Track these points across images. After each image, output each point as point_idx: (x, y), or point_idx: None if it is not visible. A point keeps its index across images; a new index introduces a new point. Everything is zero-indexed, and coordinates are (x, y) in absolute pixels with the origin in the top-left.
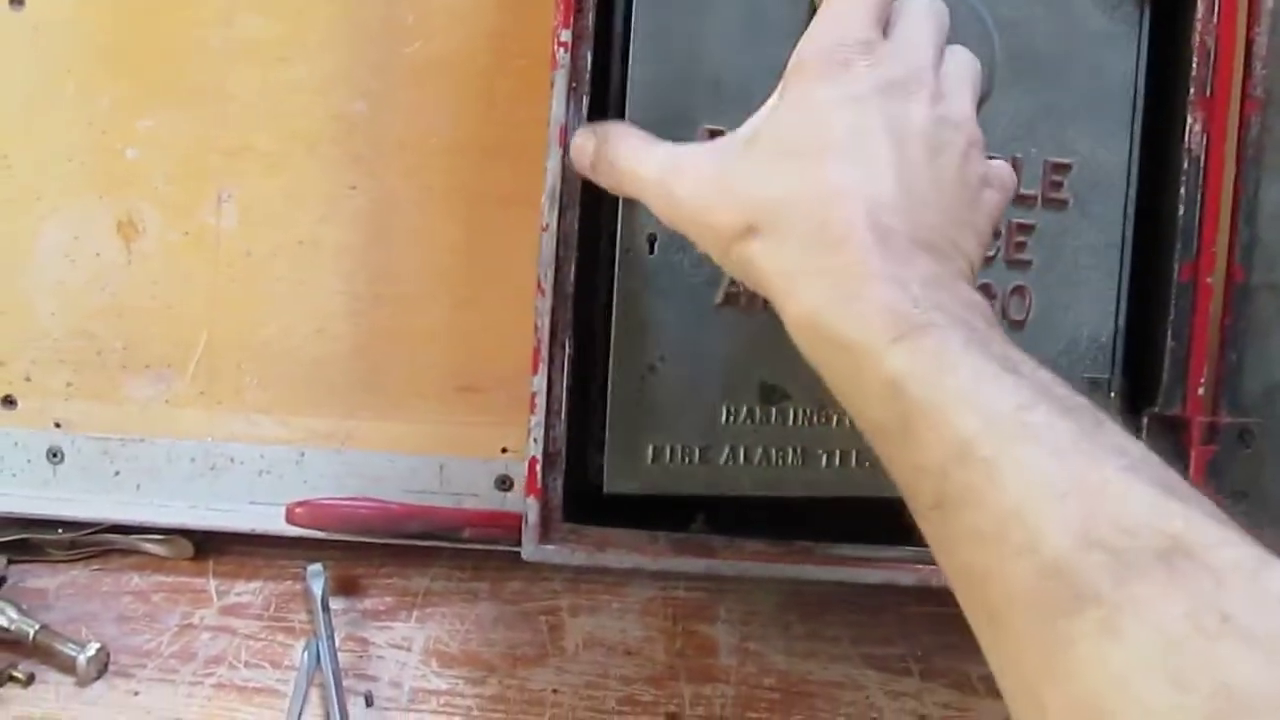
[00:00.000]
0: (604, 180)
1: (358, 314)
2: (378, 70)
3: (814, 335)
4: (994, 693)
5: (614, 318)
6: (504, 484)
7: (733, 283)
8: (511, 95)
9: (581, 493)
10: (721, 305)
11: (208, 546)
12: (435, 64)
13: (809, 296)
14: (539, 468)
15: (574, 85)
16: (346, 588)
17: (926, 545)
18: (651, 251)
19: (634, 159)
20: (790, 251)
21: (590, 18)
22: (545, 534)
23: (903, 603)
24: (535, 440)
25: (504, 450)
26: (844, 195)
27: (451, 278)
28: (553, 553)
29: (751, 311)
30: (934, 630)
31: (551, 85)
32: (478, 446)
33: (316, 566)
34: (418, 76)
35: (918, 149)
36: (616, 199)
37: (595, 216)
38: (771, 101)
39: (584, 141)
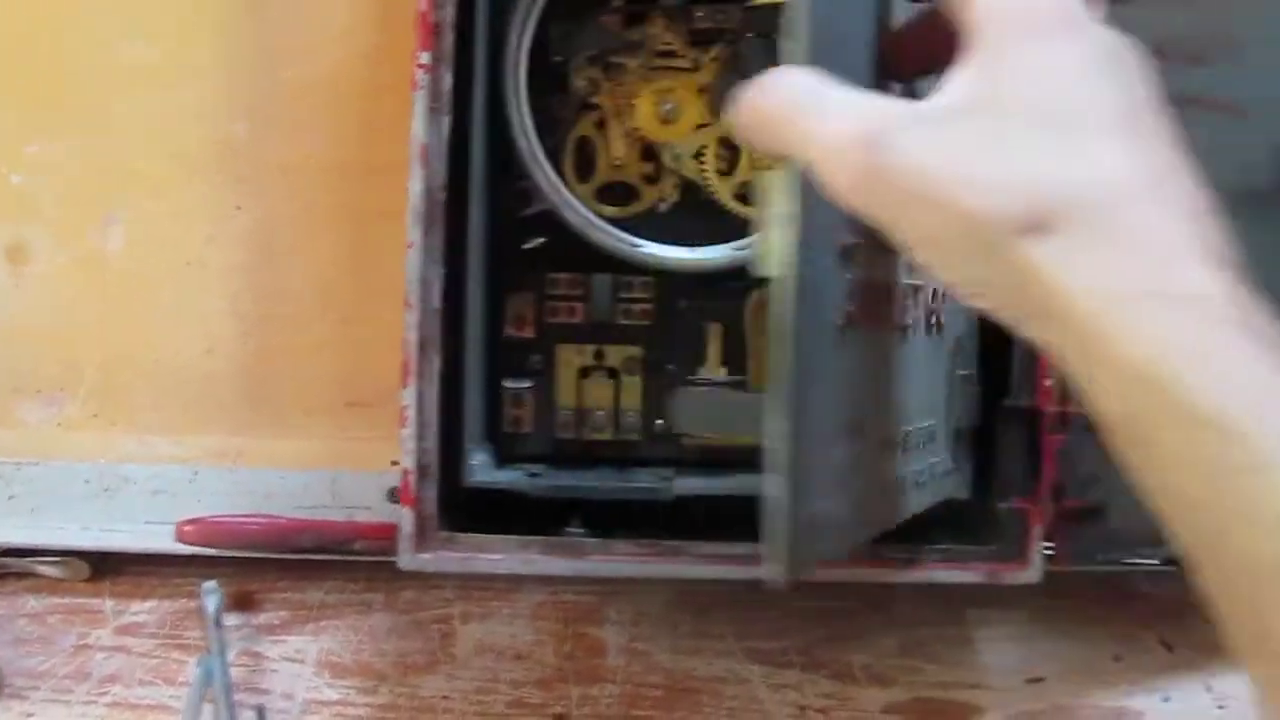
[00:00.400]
0: (764, 141)
1: (246, 333)
2: (259, 93)
3: (1152, 393)
4: (874, 681)
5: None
6: (395, 496)
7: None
8: (390, 114)
9: (477, 499)
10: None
11: (105, 567)
12: (315, 86)
13: (1149, 334)
14: (413, 479)
15: (434, 106)
16: (242, 603)
17: None
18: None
19: (814, 111)
20: (1103, 260)
21: (449, 39)
22: (421, 543)
23: (787, 598)
24: (408, 452)
25: (394, 463)
26: (1157, 186)
27: (337, 294)
28: (429, 561)
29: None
30: (816, 623)
31: (412, 106)
32: (368, 460)
33: (211, 584)
34: (298, 98)
35: (1160, 116)
36: (489, 211)
37: (462, 231)
38: (978, 61)
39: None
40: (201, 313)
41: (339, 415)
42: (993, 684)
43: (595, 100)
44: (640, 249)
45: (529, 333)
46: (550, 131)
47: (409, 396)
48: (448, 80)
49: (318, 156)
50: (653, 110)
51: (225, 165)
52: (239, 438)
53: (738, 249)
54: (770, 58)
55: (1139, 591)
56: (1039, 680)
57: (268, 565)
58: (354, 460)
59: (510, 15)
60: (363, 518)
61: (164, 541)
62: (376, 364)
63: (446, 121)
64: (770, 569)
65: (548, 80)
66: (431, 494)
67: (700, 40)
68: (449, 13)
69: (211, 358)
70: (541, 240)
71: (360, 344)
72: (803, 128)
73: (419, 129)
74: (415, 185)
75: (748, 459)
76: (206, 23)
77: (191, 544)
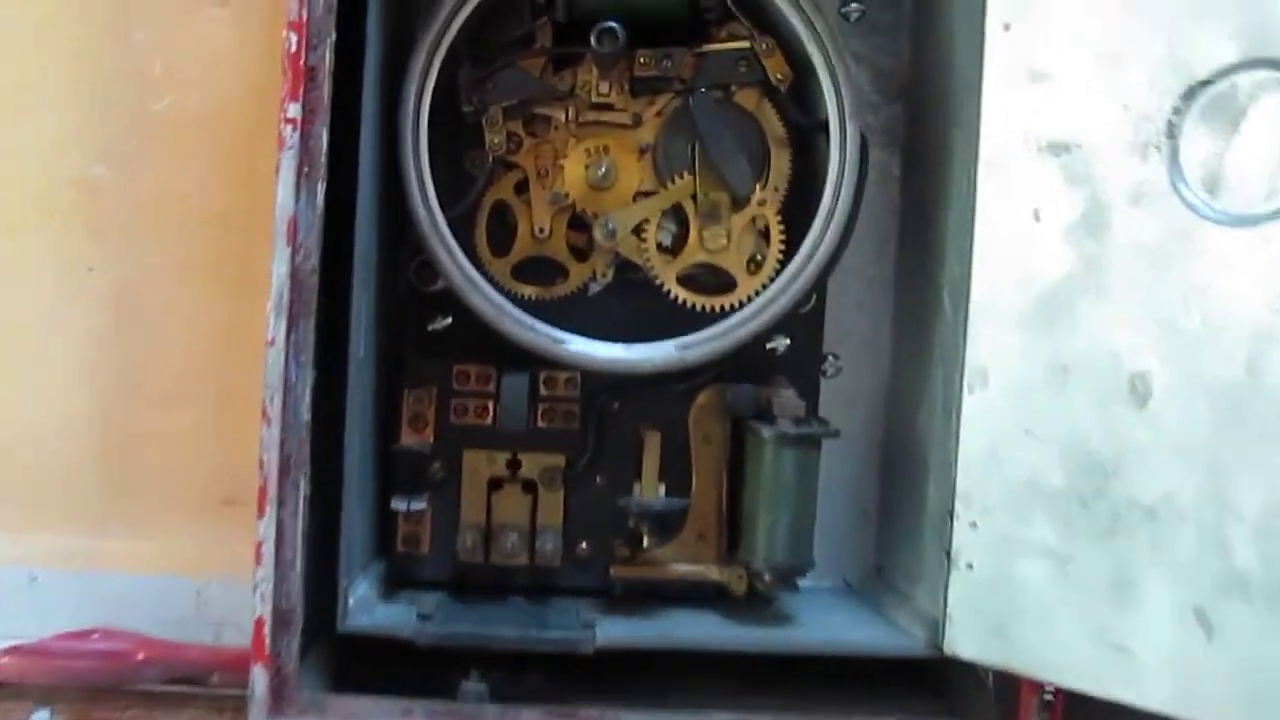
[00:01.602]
0: None
1: (102, 411)
2: (121, 129)
3: None
4: None
5: None
6: None
7: None
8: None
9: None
10: None
11: None
12: (188, 122)
13: None
14: (268, 630)
15: (305, 169)
16: None
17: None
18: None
19: None
20: None
21: (326, 88)
22: (277, 705)
23: None
24: (262, 597)
25: None
26: None
27: (213, 370)
28: None
29: None
30: None
31: (277, 170)
32: (242, 567)
33: (42, 714)
34: (168, 136)
35: None
36: (382, 290)
37: (342, 319)
38: None
39: None
40: (50, 384)
41: (209, 513)
42: None
43: (514, 159)
44: (563, 345)
45: (428, 436)
46: (458, 195)
47: (265, 529)
48: (323, 138)
49: (192, 204)
50: (583, 173)
51: (82, 212)
52: (90, 537)
53: (683, 346)
54: (726, 114)
55: None
56: None
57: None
58: (225, 565)
59: (409, 57)
60: (230, 635)
61: None
62: (256, 454)
63: (322, 188)
64: None
65: (457, 134)
66: (292, 646)
67: (642, 90)
68: (326, 55)
69: (62, 440)
70: (448, 321)
71: (238, 430)
72: None
73: (285, 198)
74: (279, 267)
75: (688, 592)
76: (61, 44)
77: (9, 679)
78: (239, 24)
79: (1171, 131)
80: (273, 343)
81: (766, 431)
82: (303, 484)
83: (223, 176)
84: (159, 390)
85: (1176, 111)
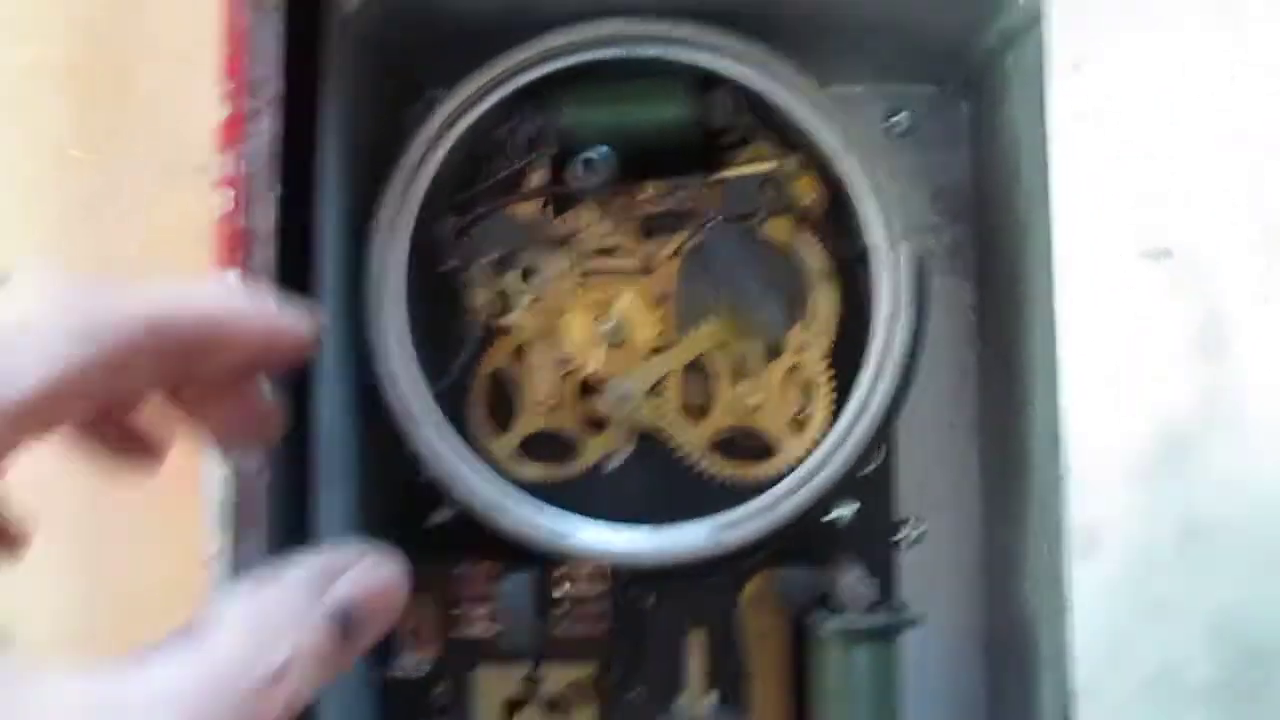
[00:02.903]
0: None
1: None
2: None
3: None
4: None
5: None
6: None
7: None
8: None
9: None
10: None
11: None
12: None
13: None
14: None
15: None
16: None
17: None
18: None
19: None
20: None
21: (268, 252)
22: None
23: None
24: None
25: None
26: None
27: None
28: None
29: None
30: None
31: None
32: None
33: None
34: None
35: None
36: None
37: (298, 533)
38: None
39: None
40: None
41: None
42: None
43: (508, 320)
44: (568, 541)
45: (429, 654)
46: (445, 364)
47: None
48: None
49: None
50: (589, 331)
51: None
52: None
53: (721, 528)
54: (750, 248)
55: None
56: None
57: None
58: None
59: (375, 207)
60: None
61: None
62: None
63: None
64: None
65: (440, 293)
66: None
67: (653, 229)
68: (266, 215)
69: None
70: (449, 513)
71: None
72: None
73: None
74: (213, 470)
75: None
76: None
77: None
78: None
79: None
80: (214, 558)
81: (829, 626)
82: None
83: None
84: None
85: None
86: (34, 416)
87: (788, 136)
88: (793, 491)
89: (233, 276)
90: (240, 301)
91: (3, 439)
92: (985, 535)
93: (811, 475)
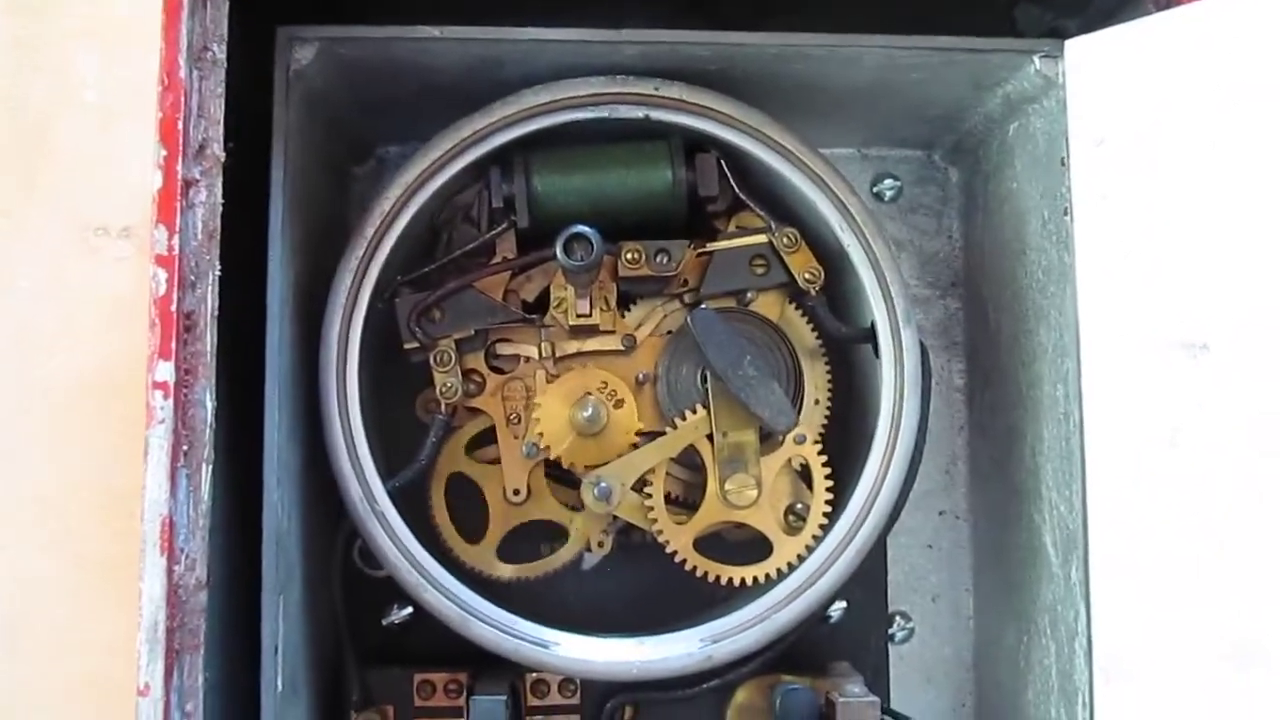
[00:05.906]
0: None
1: None
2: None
3: None
4: None
5: None
6: None
7: None
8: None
9: None
10: None
11: None
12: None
13: None
14: None
15: (185, 450)
16: None
17: None
18: None
19: None
20: None
21: (209, 340)
22: None
23: None
24: None
25: None
26: None
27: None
28: None
29: None
30: None
31: (145, 452)
32: None
33: None
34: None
35: None
36: (311, 595)
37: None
38: None
39: None
40: None
41: None
42: None
43: (475, 405)
44: (549, 650)
45: None
46: (408, 454)
47: None
48: (207, 406)
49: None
50: (566, 416)
51: None
52: None
53: (709, 640)
54: (740, 330)
55: None
56: None
57: None
58: None
59: (329, 284)
60: None
61: None
62: None
63: (208, 473)
64: None
65: (399, 377)
66: None
67: (634, 298)
68: (208, 296)
69: None
70: (407, 612)
71: None
72: None
73: (155, 490)
74: (150, 584)
75: None
76: None
77: None
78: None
79: None
80: (146, 692)
81: None
82: None
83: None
84: None
85: None
86: None
87: (778, 207)
88: (788, 600)
89: (166, 369)
90: None
91: None
92: (980, 630)
93: (811, 581)
